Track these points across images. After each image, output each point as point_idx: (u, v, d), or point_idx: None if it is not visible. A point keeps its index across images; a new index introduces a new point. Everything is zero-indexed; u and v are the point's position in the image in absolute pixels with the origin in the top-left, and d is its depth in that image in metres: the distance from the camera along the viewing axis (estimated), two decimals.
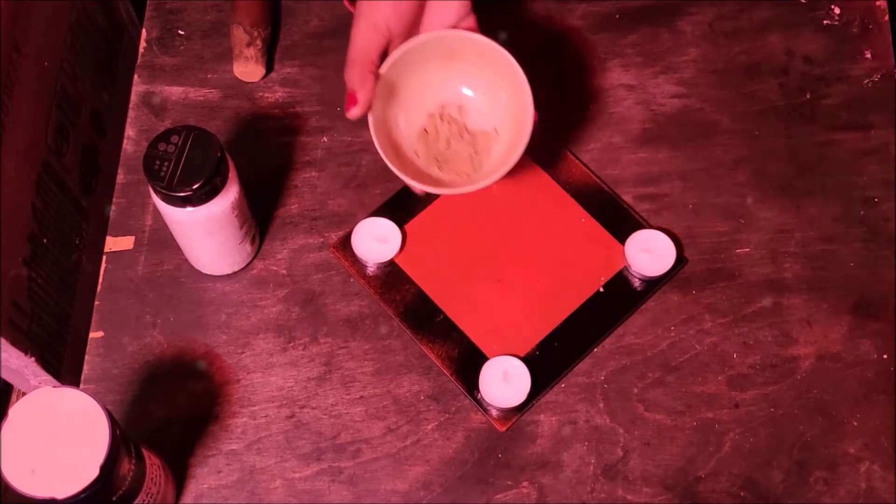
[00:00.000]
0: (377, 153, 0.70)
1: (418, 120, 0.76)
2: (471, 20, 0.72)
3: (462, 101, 0.76)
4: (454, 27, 0.71)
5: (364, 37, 0.70)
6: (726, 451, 0.71)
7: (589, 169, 0.81)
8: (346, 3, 0.74)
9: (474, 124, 0.76)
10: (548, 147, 0.81)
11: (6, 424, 0.56)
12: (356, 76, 0.69)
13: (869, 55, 0.85)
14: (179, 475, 0.71)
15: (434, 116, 0.75)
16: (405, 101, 0.74)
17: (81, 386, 0.74)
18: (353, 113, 0.70)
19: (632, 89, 0.85)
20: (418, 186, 0.71)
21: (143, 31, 0.88)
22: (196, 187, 0.67)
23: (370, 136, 0.70)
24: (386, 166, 0.82)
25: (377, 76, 0.70)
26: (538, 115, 0.71)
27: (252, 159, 0.81)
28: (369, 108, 0.70)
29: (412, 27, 0.71)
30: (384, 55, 0.71)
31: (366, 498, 0.70)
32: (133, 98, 0.85)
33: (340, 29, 0.88)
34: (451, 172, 0.75)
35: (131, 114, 0.85)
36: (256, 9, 0.85)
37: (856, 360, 0.74)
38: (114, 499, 0.59)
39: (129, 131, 0.84)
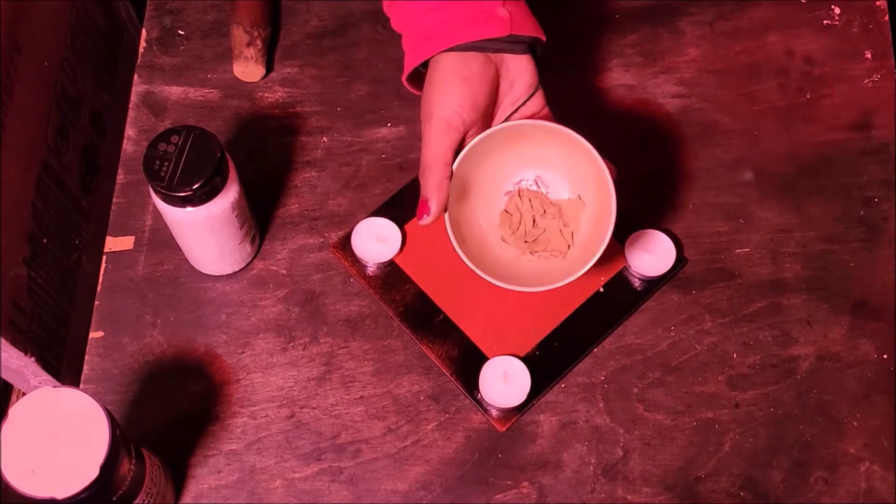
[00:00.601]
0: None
1: (497, 204, 0.73)
2: (539, 95, 0.69)
3: (539, 174, 0.73)
4: (525, 103, 0.69)
5: (439, 138, 0.66)
6: (726, 451, 0.71)
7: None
8: (407, 84, 0.70)
9: (556, 195, 0.73)
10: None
11: (6, 424, 0.56)
12: (432, 182, 0.66)
13: (869, 55, 0.85)
14: (179, 475, 0.71)
15: (513, 195, 0.73)
16: (479, 194, 0.71)
17: (81, 386, 0.74)
18: (426, 221, 0.66)
19: (632, 89, 0.85)
20: (509, 287, 0.67)
21: (143, 31, 0.88)
22: (196, 187, 0.67)
23: (446, 233, 0.67)
24: (387, 166, 0.82)
25: (451, 178, 0.67)
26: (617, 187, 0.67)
27: (252, 159, 0.81)
28: (440, 214, 0.67)
29: (486, 114, 0.68)
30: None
31: (366, 498, 0.70)
32: (133, 98, 0.85)
33: (340, 29, 0.88)
34: (544, 254, 0.72)
35: (131, 114, 0.85)
36: (256, 9, 0.85)
37: (856, 360, 0.74)
38: (114, 499, 0.59)
39: (129, 131, 0.84)
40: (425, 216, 0.67)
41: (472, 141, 0.68)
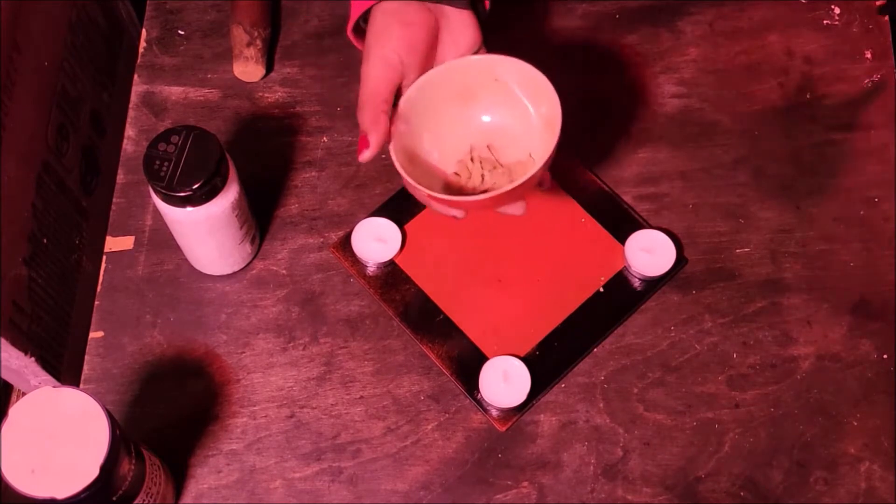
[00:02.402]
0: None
1: (449, 167, 0.72)
2: (483, 54, 0.69)
3: (490, 140, 0.72)
4: None
5: (376, 74, 0.66)
6: (726, 451, 0.71)
7: (589, 169, 0.81)
8: (352, 38, 0.71)
9: (507, 158, 0.72)
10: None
11: (6, 424, 0.56)
12: (368, 117, 0.66)
13: (869, 55, 0.85)
14: (179, 475, 0.71)
15: (464, 162, 0.72)
16: (432, 140, 0.71)
17: (81, 386, 0.74)
18: (366, 156, 0.66)
19: (632, 89, 0.85)
20: (462, 199, 0.66)
21: (143, 31, 0.88)
22: (196, 187, 0.67)
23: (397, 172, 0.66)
24: (387, 166, 0.82)
25: (390, 115, 0.66)
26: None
27: (252, 159, 0.81)
28: (381, 149, 0.66)
29: (426, 59, 0.68)
30: (399, 93, 0.68)
31: (366, 498, 0.70)
32: (133, 98, 0.85)
33: (340, 29, 0.88)
34: None
35: (131, 114, 0.85)
36: (256, 9, 0.85)
37: (856, 360, 0.74)
38: (114, 499, 0.59)
39: (129, 131, 0.84)
40: (365, 151, 0.66)
41: (421, 78, 0.68)
